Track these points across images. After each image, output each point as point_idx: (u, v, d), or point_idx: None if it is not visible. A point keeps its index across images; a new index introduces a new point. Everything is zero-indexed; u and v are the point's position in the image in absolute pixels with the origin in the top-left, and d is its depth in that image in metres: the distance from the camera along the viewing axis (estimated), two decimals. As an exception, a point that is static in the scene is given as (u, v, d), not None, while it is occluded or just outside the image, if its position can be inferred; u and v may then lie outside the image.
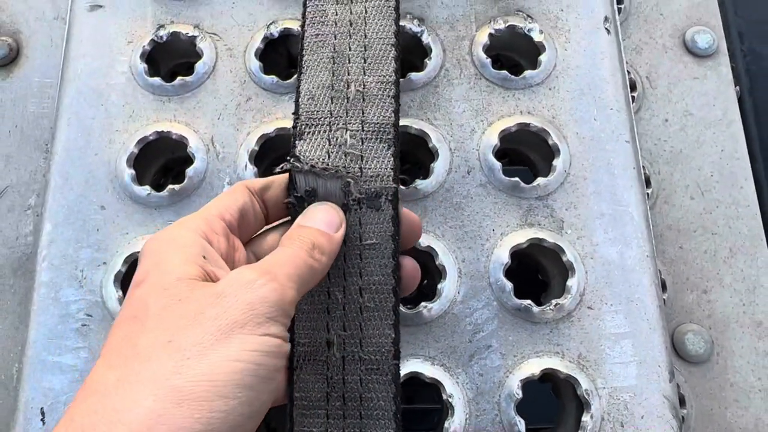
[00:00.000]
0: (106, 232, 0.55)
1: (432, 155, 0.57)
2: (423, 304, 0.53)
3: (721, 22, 0.72)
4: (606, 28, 0.61)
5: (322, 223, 0.42)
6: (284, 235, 0.41)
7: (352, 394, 0.42)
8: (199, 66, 0.60)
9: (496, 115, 0.58)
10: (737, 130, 0.69)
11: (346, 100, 0.47)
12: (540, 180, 0.56)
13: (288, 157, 0.45)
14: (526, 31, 0.61)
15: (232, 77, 0.60)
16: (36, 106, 0.68)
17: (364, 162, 0.45)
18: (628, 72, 0.68)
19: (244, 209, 0.43)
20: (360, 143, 0.46)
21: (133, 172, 0.56)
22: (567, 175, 0.57)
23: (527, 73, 0.59)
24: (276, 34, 0.61)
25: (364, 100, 0.47)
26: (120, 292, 0.53)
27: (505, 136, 0.57)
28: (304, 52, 0.49)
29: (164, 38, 0.61)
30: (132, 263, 0.54)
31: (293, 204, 0.44)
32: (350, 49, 0.49)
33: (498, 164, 0.56)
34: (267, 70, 0.60)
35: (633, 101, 0.68)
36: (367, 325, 0.43)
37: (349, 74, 0.48)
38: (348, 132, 0.46)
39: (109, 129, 0.58)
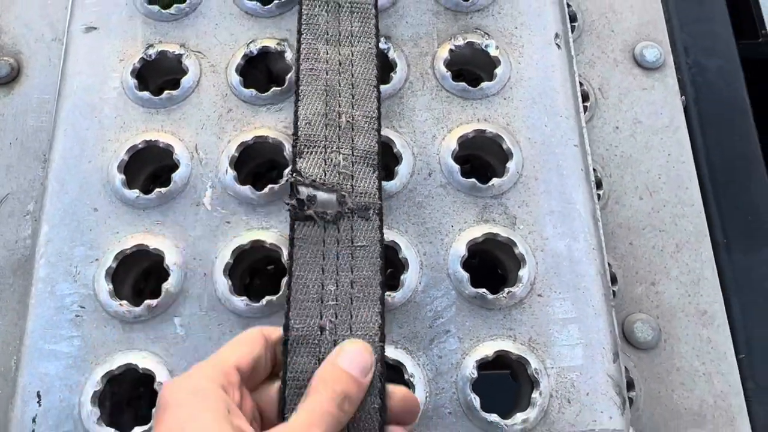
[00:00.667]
0: (99, 232, 0.60)
1: (397, 159, 0.62)
2: (387, 293, 0.58)
3: (668, 38, 0.78)
4: (557, 44, 0.67)
5: (355, 366, 0.43)
6: (317, 375, 0.43)
7: None
8: (185, 81, 0.65)
9: (455, 122, 0.64)
10: (683, 136, 0.74)
11: (338, 128, 0.55)
12: (495, 181, 0.62)
13: (291, 172, 0.53)
14: (483, 47, 0.67)
15: (214, 91, 0.66)
16: (35, 121, 0.74)
17: (354, 181, 0.53)
18: (581, 84, 0.74)
19: (258, 360, 0.45)
20: (351, 165, 0.54)
21: (123, 177, 0.61)
22: (520, 176, 0.62)
23: (484, 84, 0.65)
24: (255, 52, 0.67)
25: (353, 129, 0.55)
26: (111, 286, 0.58)
27: (464, 142, 0.63)
28: (300, 83, 0.57)
29: (153, 56, 0.67)
30: (122, 259, 0.59)
31: (294, 206, 0.51)
32: (340, 85, 0.57)
33: (457, 167, 0.62)
34: (247, 85, 0.65)
35: (586, 111, 0.74)
36: (357, 313, 0.48)
37: (340, 106, 0.56)
38: (341, 155, 0.54)
39: (102, 139, 0.63)
